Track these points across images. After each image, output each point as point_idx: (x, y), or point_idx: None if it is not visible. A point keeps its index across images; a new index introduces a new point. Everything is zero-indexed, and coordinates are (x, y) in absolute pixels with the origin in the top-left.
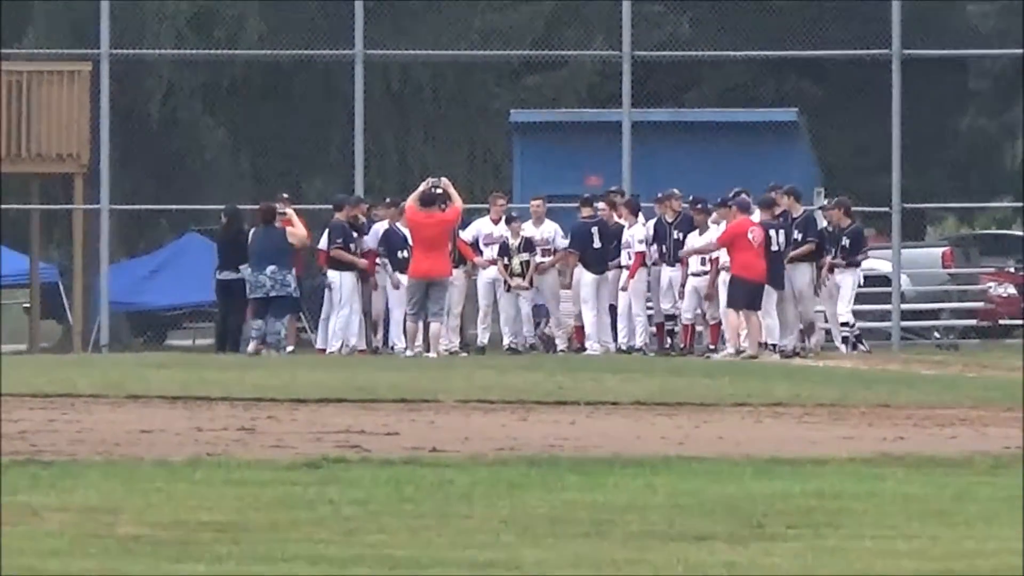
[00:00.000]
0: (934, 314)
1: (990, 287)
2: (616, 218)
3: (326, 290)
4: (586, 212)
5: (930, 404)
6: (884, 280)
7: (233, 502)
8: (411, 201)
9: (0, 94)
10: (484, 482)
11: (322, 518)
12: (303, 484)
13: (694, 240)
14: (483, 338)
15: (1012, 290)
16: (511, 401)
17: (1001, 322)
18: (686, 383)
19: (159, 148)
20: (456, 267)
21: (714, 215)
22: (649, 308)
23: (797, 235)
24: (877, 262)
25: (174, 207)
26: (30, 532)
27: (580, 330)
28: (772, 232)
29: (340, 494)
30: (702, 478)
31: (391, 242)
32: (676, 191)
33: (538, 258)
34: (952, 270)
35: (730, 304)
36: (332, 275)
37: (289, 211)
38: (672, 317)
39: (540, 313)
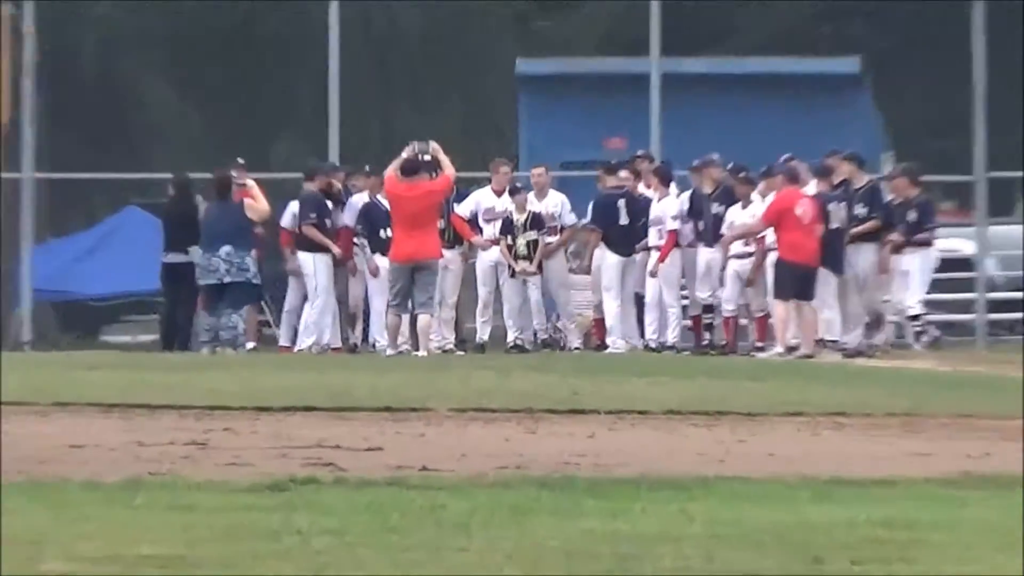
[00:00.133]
0: None
1: None
2: (644, 189)
3: (291, 277)
4: (610, 182)
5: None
6: (966, 264)
7: (180, 532)
8: (391, 170)
9: None
10: (484, 508)
11: (288, 551)
12: (265, 510)
13: (736, 215)
14: (483, 333)
15: None
16: (517, 409)
17: None
18: (728, 388)
19: (94, 106)
20: (450, 248)
21: (760, 186)
22: (683, 297)
23: (860, 210)
24: (957, 242)
25: (111, 176)
26: None
27: (600, 324)
28: (831, 206)
29: (310, 522)
30: (748, 503)
31: (371, 218)
32: (715, 157)
33: (547, 238)
34: None
35: (777, 294)
36: (303, 258)
37: (249, 181)
38: (711, 308)
39: (549, 305)
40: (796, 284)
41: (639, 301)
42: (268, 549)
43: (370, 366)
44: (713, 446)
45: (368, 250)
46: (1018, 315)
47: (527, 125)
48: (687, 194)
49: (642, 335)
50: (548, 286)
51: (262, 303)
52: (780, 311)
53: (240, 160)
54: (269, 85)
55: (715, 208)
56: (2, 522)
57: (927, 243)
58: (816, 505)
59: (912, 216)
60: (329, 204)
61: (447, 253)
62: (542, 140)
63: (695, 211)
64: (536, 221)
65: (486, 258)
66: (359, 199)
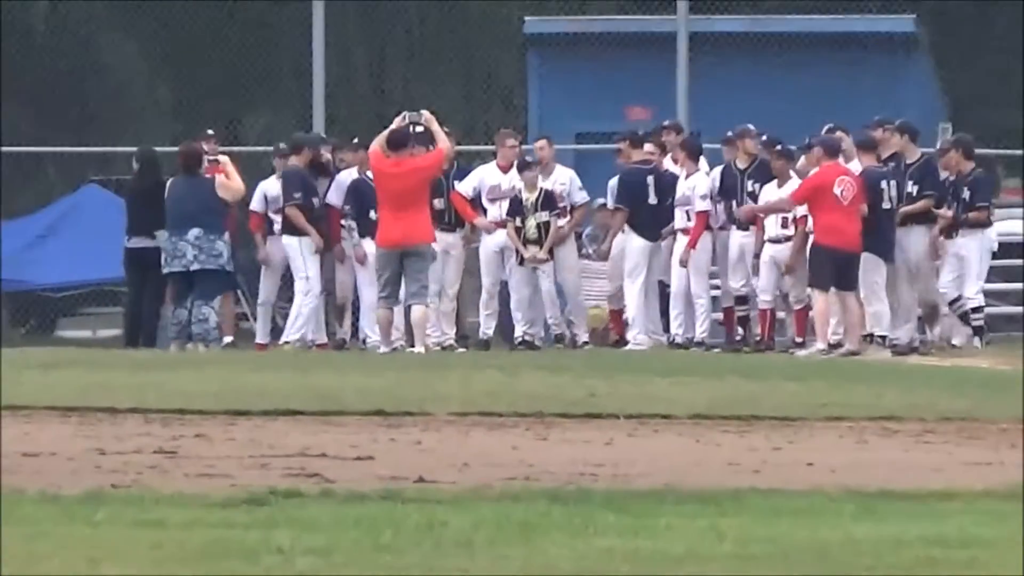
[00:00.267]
0: None
1: None
2: (670, 165)
3: (263, 267)
4: (636, 155)
5: None
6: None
7: (147, 551)
8: (376, 144)
9: None
10: (488, 524)
11: (268, 572)
12: (242, 526)
13: (771, 194)
14: (487, 328)
15: None
16: (525, 413)
17: None
18: (763, 389)
19: (47, 70)
20: (451, 231)
21: (800, 162)
22: (713, 287)
23: (912, 188)
24: (1015, 224)
25: (67, 150)
26: None
27: (617, 316)
28: (883, 184)
29: (293, 540)
30: (785, 519)
31: (360, 198)
32: (751, 127)
33: (560, 220)
34: None
35: (814, 283)
36: (288, 242)
37: (223, 157)
38: (744, 299)
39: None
40: (835, 272)
41: (663, 291)
42: (246, 570)
43: (360, 365)
44: (746, 455)
45: (356, 234)
46: None
47: (537, 93)
48: (718, 170)
49: (667, 329)
50: (558, 274)
51: (239, 294)
52: (820, 303)
53: (210, 131)
54: (246, 47)
55: (749, 186)
56: None
57: (983, 224)
58: (861, 521)
59: (966, 194)
60: (316, 183)
61: (448, 237)
62: (554, 109)
63: (727, 190)
64: (548, 200)
65: (491, 242)
66: (347, 176)
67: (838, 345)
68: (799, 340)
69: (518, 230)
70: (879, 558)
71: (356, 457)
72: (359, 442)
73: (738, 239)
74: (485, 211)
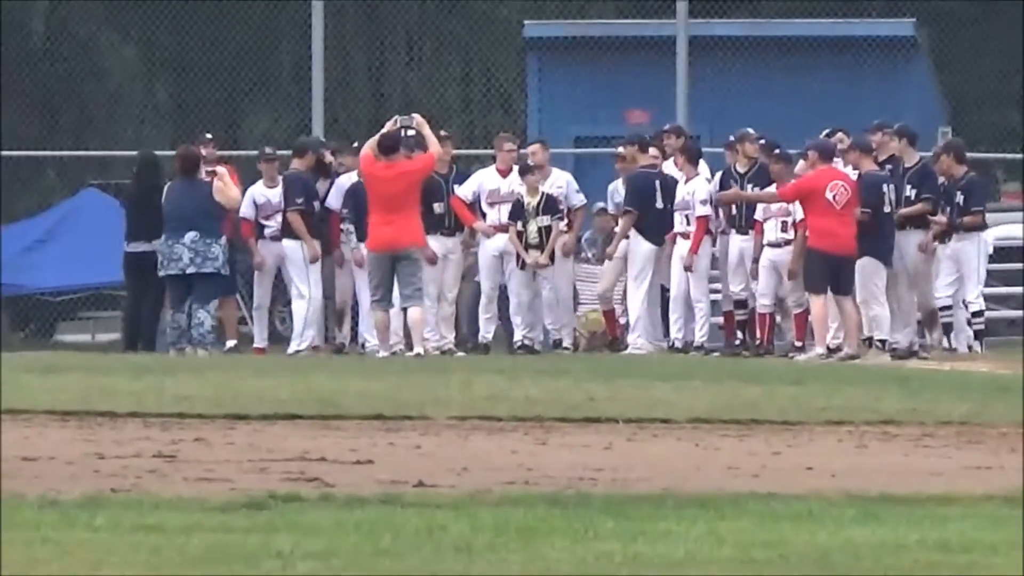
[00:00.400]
0: None
1: None
2: (670, 169)
3: (256, 272)
4: (643, 159)
5: None
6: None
7: (146, 555)
8: (368, 147)
9: None
10: (488, 528)
11: None
12: (242, 531)
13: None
14: (486, 332)
15: None
16: (525, 418)
17: None
18: (763, 393)
19: (46, 74)
20: (450, 236)
21: (799, 165)
22: (714, 291)
23: (910, 191)
24: (1015, 228)
25: (66, 154)
26: None
27: (611, 317)
28: (884, 187)
29: (293, 544)
30: (785, 523)
31: (359, 201)
32: (751, 131)
33: (560, 224)
34: None
35: (808, 287)
36: (290, 246)
37: (220, 169)
38: (743, 303)
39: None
40: (829, 276)
41: (662, 295)
42: (245, 574)
43: (360, 369)
44: (746, 459)
45: (354, 238)
46: None
47: (536, 96)
48: (718, 175)
49: (666, 334)
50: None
51: (239, 297)
52: (818, 307)
53: (208, 135)
54: (245, 50)
55: (750, 190)
56: None
57: (979, 227)
58: (861, 525)
59: (960, 198)
60: (319, 181)
61: (447, 241)
62: (553, 113)
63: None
64: (550, 205)
65: (490, 247)
66: (346, 179)
67: (838, 349)
68: (798, 344)
69: (520, 234)
70: (879, 562)
71: (355, 461)
72: (359, 446)
73: (737, 243)
74: (484, 215)
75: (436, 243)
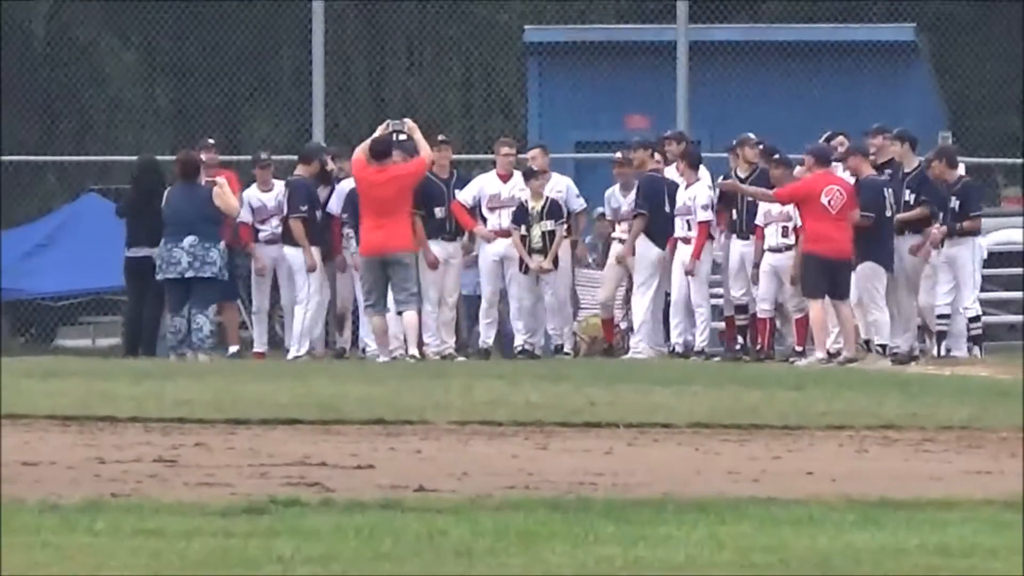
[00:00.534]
0: None
1: None
2: (672, 174)
3: (253, 276)
4: (650, 164)
5: None
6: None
7: (147, 560)
8: (360, 151)
9: None
10: (488, 533)
11: None
12: (242, 536)
13: (769, 204)
14: (487, 336)
15: None
16: (525, 422)
17: None
18: (763, 398)
19: (46, 79)
20: (451, 240)
21: (798, 169)
22: (714, 296)
23: (909, 195)
24: (1015, 233)
25: (67, 159)
26: None
27: (609, 325)
28: (885, 192)
29: (293, 549)
30: (785, 527)
31: (358, 207)
32: (751, 136)
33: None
34: None
35: (804, 291)
36: (291, 253)
37: (221, 179)
38: (744, 308)
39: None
40: (825, 281)
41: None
42: None
43: (360, 374)
44: (746, 464)
45: (354, 242)
46: None
47: (537, 101)
48: (718, 180)
49: (667, 338)
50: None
51: (240, 302)
52: (816, 311)
53: (210, 140)
54: (245, 54)
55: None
56: None
57: (975, 231)
58: (862, 530)
59: (955, 203)
60: (321, 189)
61: (448, 246)
62: (554, 118)
63: (727, 198)
64: (554, 209)
65: (490, 251)
66: (347, 184)
67: (838, 354)
68: (799, 349)
69: (523, 238)
70: (879, 567)
71: (356, 466)
72: (359, 451)
73: (738, 248)
74: (485, 220)
75: (437, 248)
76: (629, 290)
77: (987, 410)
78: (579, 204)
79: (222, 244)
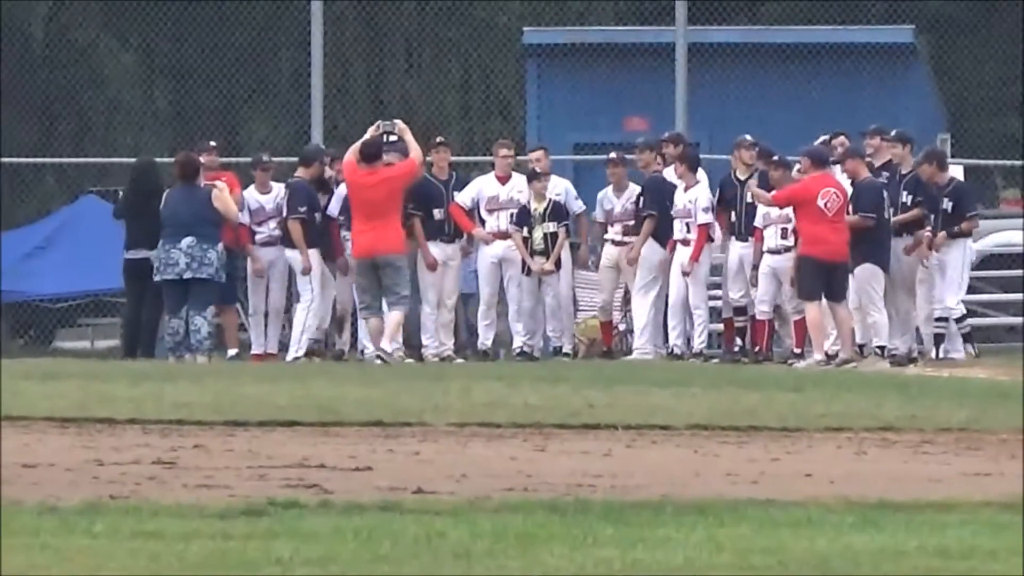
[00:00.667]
0: None
1: None
2: (670, 176)
3: (250, 277)
4: (654, 165)
5: None
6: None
7: (146, 562)
8: (351, 153)
9: None
10: (487, 535)
11: None
12: (241, 537)
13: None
14: (486, 338)
15: None
16: (524, 424)
17: None
18: (761, 400)
19: (45, 80)
20: (450, 242)
21: (797, 167)
22: (713, 299)
23: (907, 197)
24: (1016, 235)
25: (66, 160)
26: None
27: (607, 328)
28: (884, 193)
29: (292, 551)
30: (784, 529)
31: None
32: (747, 137)
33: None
34: None
35: (800, 294)
36: (292, 256)
37: (220, 183)
38: (743, 310)
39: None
40: (821, 283)
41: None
42: None
43: (359, 376)
44: (745, 465)
45: (351, 244)
46: None
47: (535, 103)
48: (717, 182)
49: (666, 340)
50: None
51: (239, 305)
52: (813, 313)
53: (211, 143)
54: (244, 56)
55: (749, 196)
56: None
57: (965, 234)
58: (861, 532)
59: (947, 205)
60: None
61: (447, 248)
62: (552, 120)
63: (727, 200)
64: (556, 211)
65: (488, 253)
66: (345, 187)
67: (836, 356)
68: (797, 351)
69: (525, 240)
70: (878, 569)
71: (355, 468)
72: (358, 453)
73: (737, 250)
74: (483, 222)
75: (436, 250)
76: (627, 292)
77: (986, 412)
78: (578, 206)
79: (220, 246)
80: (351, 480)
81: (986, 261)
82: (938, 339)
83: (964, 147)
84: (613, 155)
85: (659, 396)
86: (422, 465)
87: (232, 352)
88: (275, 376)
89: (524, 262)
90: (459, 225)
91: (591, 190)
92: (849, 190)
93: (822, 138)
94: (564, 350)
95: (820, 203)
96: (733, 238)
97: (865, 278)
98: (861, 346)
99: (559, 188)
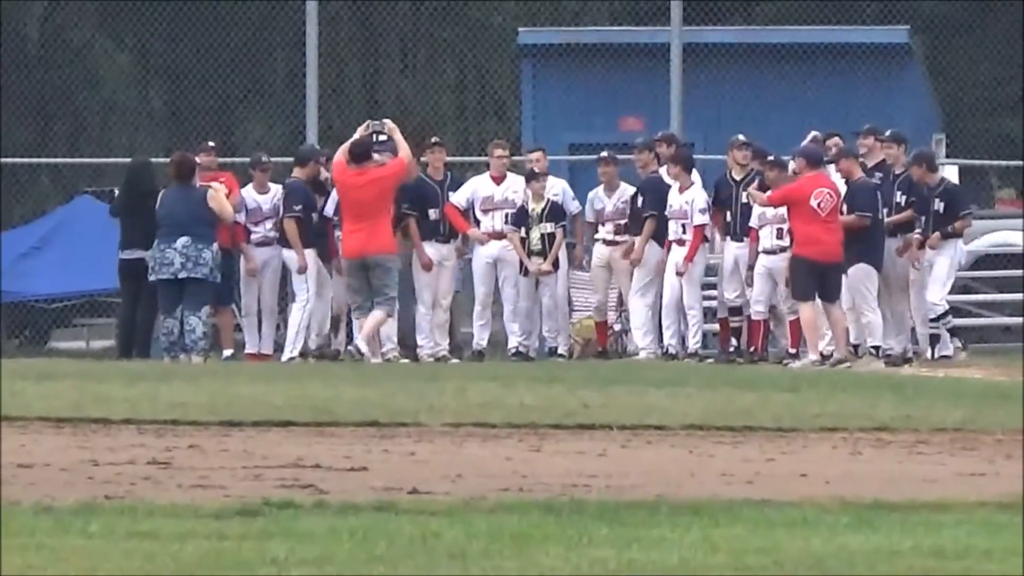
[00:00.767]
0: None
1: None
2: (670, 177)
3: (243, 277)
4: (653, 166)
5: None
6: (1021, 260)
7: (141, 562)
8: (340, 154)
9: None
10: (482, 535)
11: None
12: (236, 538)
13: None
14: (481, 338)
15: None
16: (519, 424)
17: None
18: (756, 400)
19: (40, 81)
20: (444, 243)
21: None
22: (708, 298)
23: (900, 197)
24: (1012, 235)
25: (61, 161)
26: None
27: (602, 328)
28: (878, 193)
29: (288, 551)
30: (779, 529)
31: None
32: (741, 137)
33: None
34: None
35: (795, 294)
36: (289, 256)
37: (216, 185)
38: (738, 310)
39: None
40: (815, 283)
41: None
42: None
43: (354, 376)
44: (740, 466)
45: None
46: None
47: (531, 103)
48: (712, 182)
49: (660, 340)
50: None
51: (234, 305)
52: (807, 314)
53: (210, 143)
54: (239, 56)
55: (744, 197)
56: None
57: (956, 234)
58: (856, 532)
59: (939, 205)
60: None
61: (442, 248)
62: (547, 120)
63: (721, 200)
64: (554, 212)
65: (483, 254)
66: None
67: (831, 356)
68: (792, 351)
69: (523, 241)
70: (873, 569)
71: (350, 468)
72: (353, 453)
73: (732, 250)
74: (478, 222)
75: (431, 250)
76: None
77: (981, 412)
78: (575, 207)
79: (215, 246)
80: (346, 480)
81: (981, 261)
82: (933, 339)
83: (959, 147)
84: (604, 154)
85: (654, 396)
86: (417, 465)
87: (228, 353)
88: (270, 376)
89: (521, 263)
90: (454, 225)
91: (587, 190)
92: (843, 190)
93: (813, 134)
94: (559, 350)
95: (813, 203)
96: (729, 238)
97: (858, 278)
98: (855, 346)
99: (556, 189)
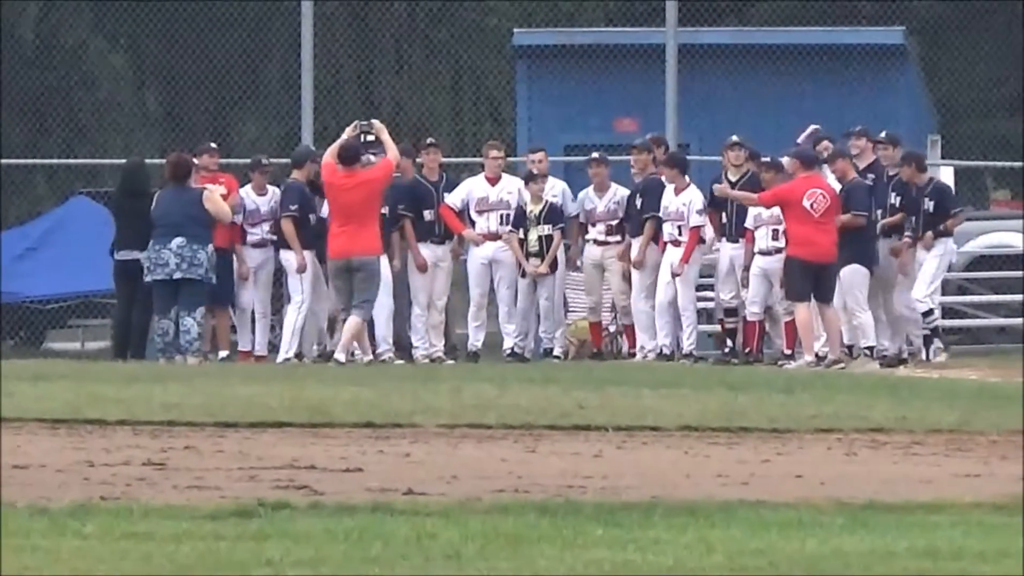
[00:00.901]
0: None
1: None
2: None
3: (237, 277)
4: (650, 167)
5: None
6: (1018, 261)
7: (137, 563)
8: (329, 155)
9: None
10: (478, 536)
11: None
12: (232, 539)
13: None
14: (476, 340)
15: None
16: (514, 425)
17: None
18: (752, 401)
19: (36, 82)
20: (440, 244)
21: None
22: (702, 300)
23: (894, 198)
24: (1008, 236)
25: (56, 162)
26: None
27: (597, 329)
28: (871, 194)
29: (283, 552)
30: (774, 531)
31: None
32: (734, 138)
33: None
34: None
35: (790, 295)
36: (287, 256)
37: (214, 186)
38: (734, 311)
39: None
40: (809, 284)
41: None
42: None
43: (349, 377)
44: (735, 467)
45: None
46: None
47: (526, 104)
48: (708, 183)
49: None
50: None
51: (230, 306)
52: (803, 314)
53: (212, 144)
54: (234, 57)
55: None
56: None
57: (946, 234)
58: (851, 533)
59: (929, 205)
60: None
61: (437, 249)
62: (543, 121)
63: (717, 202)
64: (552, 213)
65: (478, 255)
66: None
67: (826, 357)
68: (787, 352)
69: (521, 242)
70: (868, 570)
71: (345, 469)
72: (348, 454)
73: (728, 251)
74: (473, 223)
75: (426, 251)
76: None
77: (976, 413)
78: (575, 208)
79: (210, 247)
80: (342, 481)
81: (977, 262)
82: (927, 340)
83: (954, 148)
84: (595, 155)
85: (649, 397)
86: (413, 466)
87: (223, 354)
88: (265, 377)
89: (519, 264)
90: (449, 226)
91: (581, 191)
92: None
93: (811, 128)
94: (555, 352)
95: (806, 204)
96: (724, 239)
97: (850, 279)
98: (849, 347)
99: (557, 190)
